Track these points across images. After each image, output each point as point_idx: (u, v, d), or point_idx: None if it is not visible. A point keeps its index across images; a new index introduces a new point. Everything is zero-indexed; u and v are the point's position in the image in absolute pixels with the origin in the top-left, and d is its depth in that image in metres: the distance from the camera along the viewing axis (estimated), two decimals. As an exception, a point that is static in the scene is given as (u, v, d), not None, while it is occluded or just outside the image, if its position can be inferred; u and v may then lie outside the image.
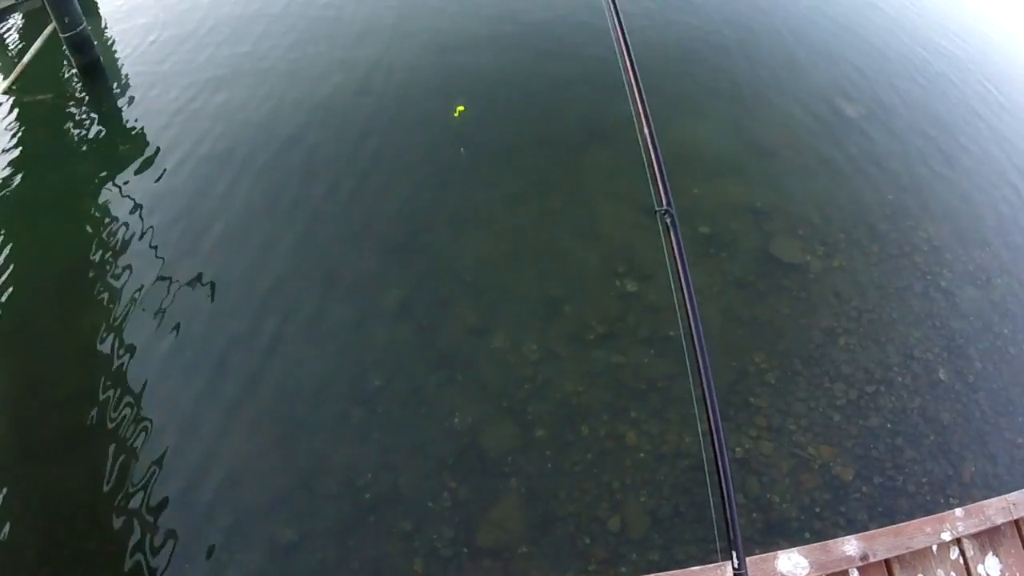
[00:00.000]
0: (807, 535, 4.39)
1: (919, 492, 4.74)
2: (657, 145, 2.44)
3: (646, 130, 2.44)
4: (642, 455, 4.66)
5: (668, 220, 2.34)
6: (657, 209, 2.41)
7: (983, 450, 5.06)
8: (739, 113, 7.54)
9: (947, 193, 7.00)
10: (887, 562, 2.26)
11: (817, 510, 4.51)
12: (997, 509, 2.49)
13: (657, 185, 2.42)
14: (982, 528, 2.44)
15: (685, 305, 2.23)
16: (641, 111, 2.47)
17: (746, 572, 1.93)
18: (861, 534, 2.25)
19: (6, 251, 6.12)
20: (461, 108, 6.43)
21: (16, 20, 9.64)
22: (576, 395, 4.97)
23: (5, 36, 9.31)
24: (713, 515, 2.02)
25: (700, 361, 2.16)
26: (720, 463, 1.99)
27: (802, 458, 4.75)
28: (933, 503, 4.70)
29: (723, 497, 1.96)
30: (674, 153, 6.94)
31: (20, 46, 8.93)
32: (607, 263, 5.84)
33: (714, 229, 6.14)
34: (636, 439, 4.74)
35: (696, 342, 2.17)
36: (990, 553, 2.44)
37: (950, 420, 5.17)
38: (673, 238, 2.31)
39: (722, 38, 8.73)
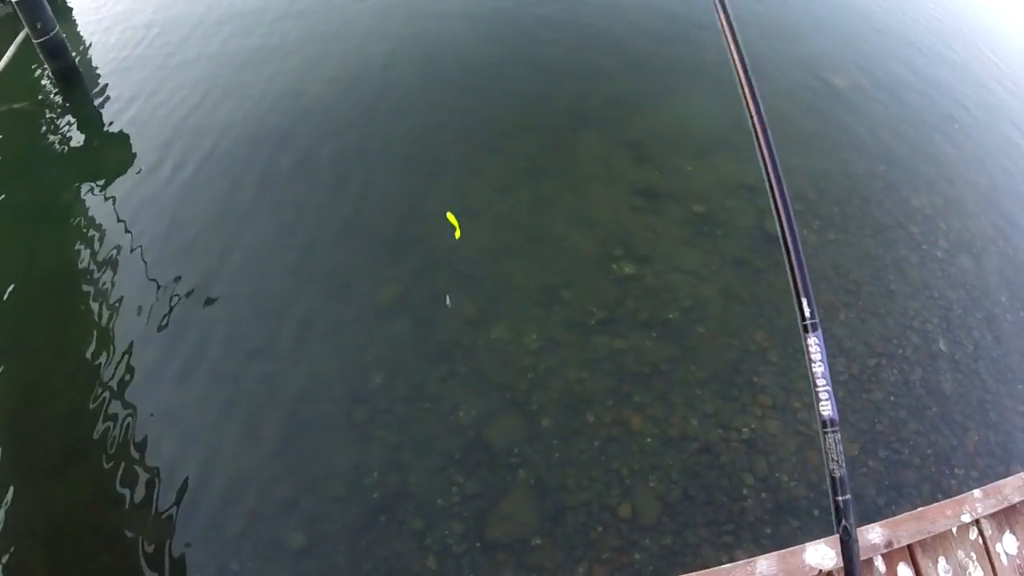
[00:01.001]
0: (816, 512, 4.40)
1: (924, 464, 4.77)
2: None
3: None
4: (648, 440, 4.65)
5: None
6: None
7: (985, 419, 5.10)
8: (727, 88, 7.46)
9: (939, 162, 6.99)
10: (910, 547, 2.25)
11: (824, 487, 4.50)
12: (1014, 488, 2.49)
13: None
14: (999, 507, 2.44)
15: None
16: None
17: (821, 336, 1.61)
18: (884, 521, 2.25)
19: (-8, 264, 6.01)
20: (452, 218, 5.43)
21: (-14, 27, 9.43)
22: (579, 382, 4.93)
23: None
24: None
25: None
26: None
27: (807, 435, 4.75)
28: (938, 474, 4.73)
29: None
30: (663, 131, 6.94)
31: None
32: (603, 247, 5.78)
33: (708, 207, 6.10)
34: (642, 424, 4.72)
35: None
36: (1007, 531, 2.44)
37: (952, 390, 5.19)
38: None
39: (708, 11, 8.64)
